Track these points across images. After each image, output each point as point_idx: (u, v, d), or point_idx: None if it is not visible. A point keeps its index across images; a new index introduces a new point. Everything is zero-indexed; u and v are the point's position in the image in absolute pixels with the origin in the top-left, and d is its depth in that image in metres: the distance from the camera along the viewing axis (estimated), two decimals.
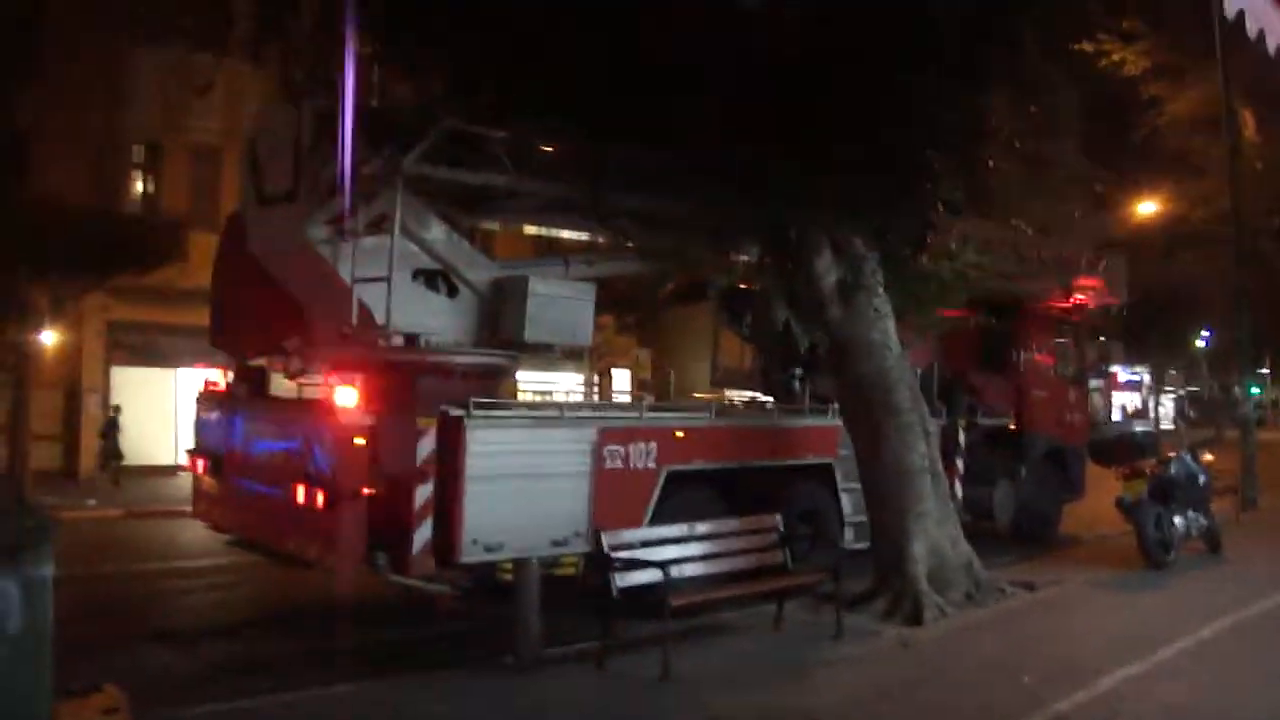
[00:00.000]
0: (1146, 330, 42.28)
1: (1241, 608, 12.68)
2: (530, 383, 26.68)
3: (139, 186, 28.14)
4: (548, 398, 19.77)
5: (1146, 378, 57.80)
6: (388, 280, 11.12)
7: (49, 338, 24.59)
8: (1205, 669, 10.27)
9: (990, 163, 13.75)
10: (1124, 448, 16.23)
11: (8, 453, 22.92)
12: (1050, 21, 12.74)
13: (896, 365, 13.04)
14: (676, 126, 10.75)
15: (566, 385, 28.92)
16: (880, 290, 12.94)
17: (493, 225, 15.16)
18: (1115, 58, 27.50)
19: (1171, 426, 53.87)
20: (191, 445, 13.65)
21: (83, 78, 25.56)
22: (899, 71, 10.70)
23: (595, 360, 30.59)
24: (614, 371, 34.14)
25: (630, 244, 14.03)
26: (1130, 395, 58.22)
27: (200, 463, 13.25)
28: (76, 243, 21.63)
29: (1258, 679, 9.92)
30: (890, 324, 13.08)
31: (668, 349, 27.57)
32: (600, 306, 26.54)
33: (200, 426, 13.50)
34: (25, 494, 21.62)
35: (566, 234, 14.67)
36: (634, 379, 34.48)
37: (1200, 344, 50.01)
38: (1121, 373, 54.52)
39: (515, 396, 14.37)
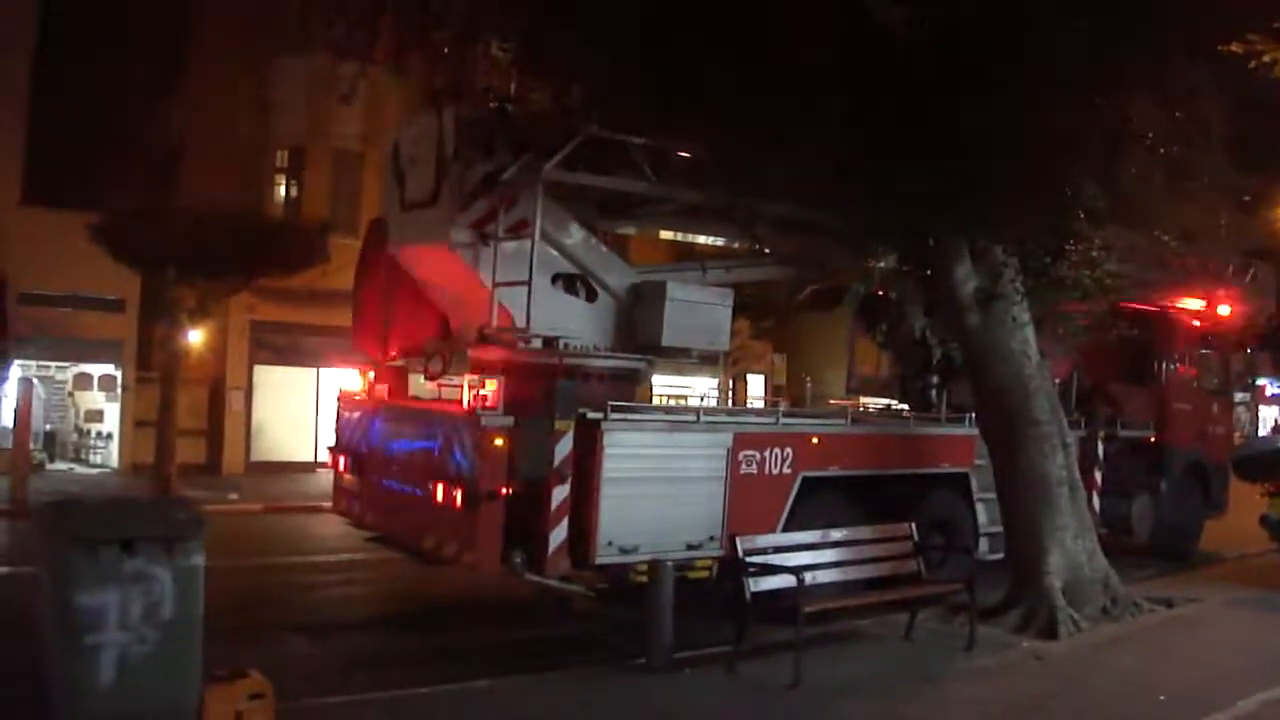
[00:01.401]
0: None
1: None
2: (665, 387, 26.89)
3: (282, 191, 28.86)
4: (682, 402, 19.82)
5: None
6: (528, 284, 11.29)
7: (196, 337, 25.33)
8: None
9: (1134, 170, 13.51)
10: (1269, 463, 15.83)
11: (155, 447, 23.61)
12: (1195, 23, 12.44)
13: (1035, 374, 12.87)
14: (813, 134, 10.75)
15: (701, 390, 29.09)
16: (1019, 299, 12.77)
17: (629, 230, 15.20)
18: (1266, 58, 26.72)
19: None
20: (333, 443, 13.97)
21: (230, 86, 26.31)
22: (1036, 83, 10.59)
23: (730, 365, 30.59)
24: (749, 377, 34.06)
25: (767, 249, 14.05)
26: (1277, 409, 56.36)
27: (341, 460, 13.56)
28: (223, 245, 22.24)
29: None
30: (1029, 332, 12.90)
31: (802, 355, 27.48)
32: (735, 311, 26.69)
33: (342, 425, 13.82)
34: (171, 487, 22.24)
35: (702, 239, 14.71)
36: (768, 384, 34.36)
37: None
38: (1270, 386, 52.91)
39: (650, 400, 14.43)
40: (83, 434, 28.16)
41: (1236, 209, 32.29)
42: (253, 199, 27.12)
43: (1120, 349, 17.97)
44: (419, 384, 13.66)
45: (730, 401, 29.39)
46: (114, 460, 26.86)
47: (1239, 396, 47.08)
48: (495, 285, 11.50)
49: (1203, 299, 18.99)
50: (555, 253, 12.16)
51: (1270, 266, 21.24)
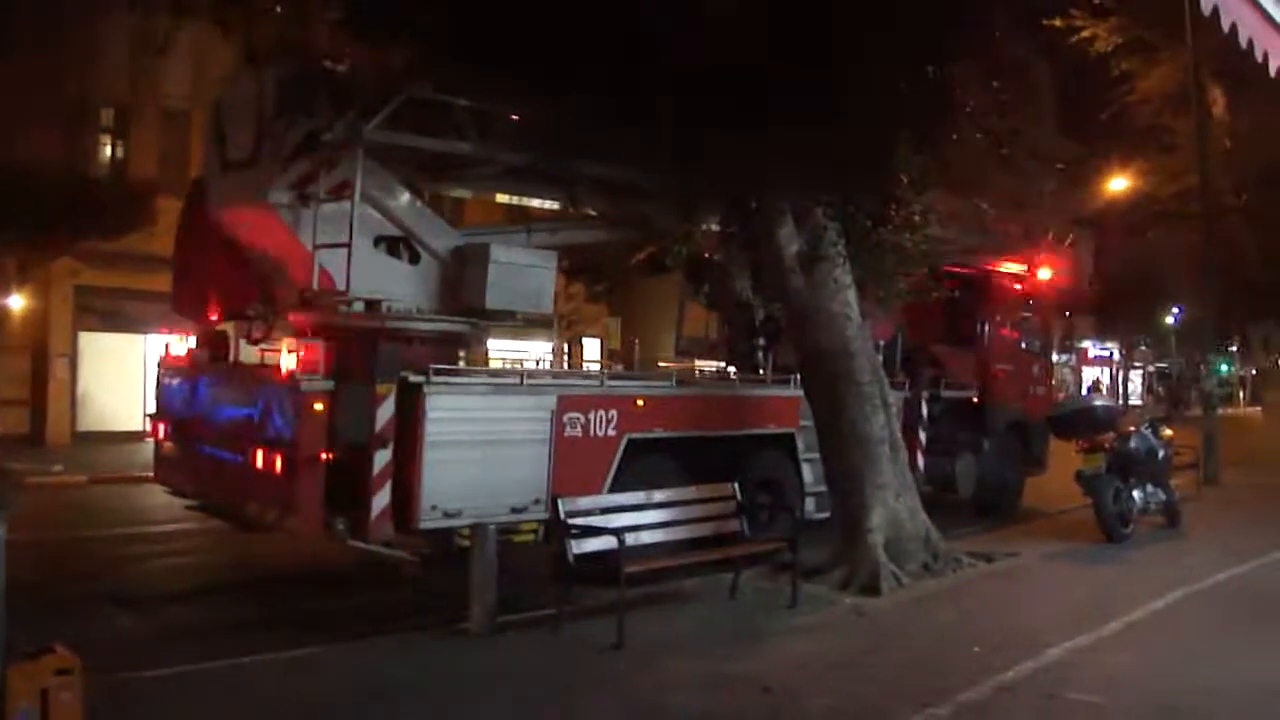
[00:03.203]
0: (1117, 306, 42.48)
1: (1195, 580, 12.86)
2: (501, 351, 26.76)
3: (108, 151, 27.99)
4: (518, 365, 19.74)
5: (1116, 354, 58.05)
6: (348, 246, 11.12)
7: (16, 302, 24.48)
8: (1152, 640, 10.41)
9: (955, 137, 13.83)
10: (1083, 422, 16.39)
11: None
12: None
13: (856, 336, 13.10)
14: (636, 96, 10.75)
15: (537, 354, 29.03)
16: (841, 261, 12.98)
17: (455, 192, 15.06)
18: (1086, 33, 27.59)
19: (1139, 402, 54.28)
20: (153, 410, 13.64)
21: (52, 44, 25.35)
22: (862, 44, 10.73)
23: (565, 328, 30.64)
24: (584, 340, 34.19)
25: (595, 212, 14.05)
26: (1100, 370, 58.47)
27: (162, 427, 13.26)
28: (44, 207, 21.54)
29: (1203, 650, 10.07)
30: (851, 295, 13.12)
31: (638, 318, 27.61)
32: (571, 275, 26.63)
33: (162, 391, 13.51)
34: None
35: (530, 202, 14.64)
36: (604, 348, 34.52)
37: (1170, 321, 50.29)
38: (1092, 348, 54.83)
39: (486, 364, 14.35)
40: None
41: (1062, 177, 33.41)
42: (76, 159, 26.22)
43: (944, 311, 18.40)
44: (244, 349, 13.44)
45: (566, 364, 29.43)
46: None
47: (1063, 358, 48.85)
48: (316, 247, 11.28)
49: (1023, 263, 19.51)
50: (378, 215, 11.94)
51: (1089, 233, 21.92)
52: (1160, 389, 59.26)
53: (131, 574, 13.74)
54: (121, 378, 26.68)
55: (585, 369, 24.83)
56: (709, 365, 17.68)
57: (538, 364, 22.27)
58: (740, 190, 12.37)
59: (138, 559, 14.57)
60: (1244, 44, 8.23)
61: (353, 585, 12.59)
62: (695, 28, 10.34)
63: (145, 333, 25.75)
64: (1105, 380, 56.91)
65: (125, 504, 18.46)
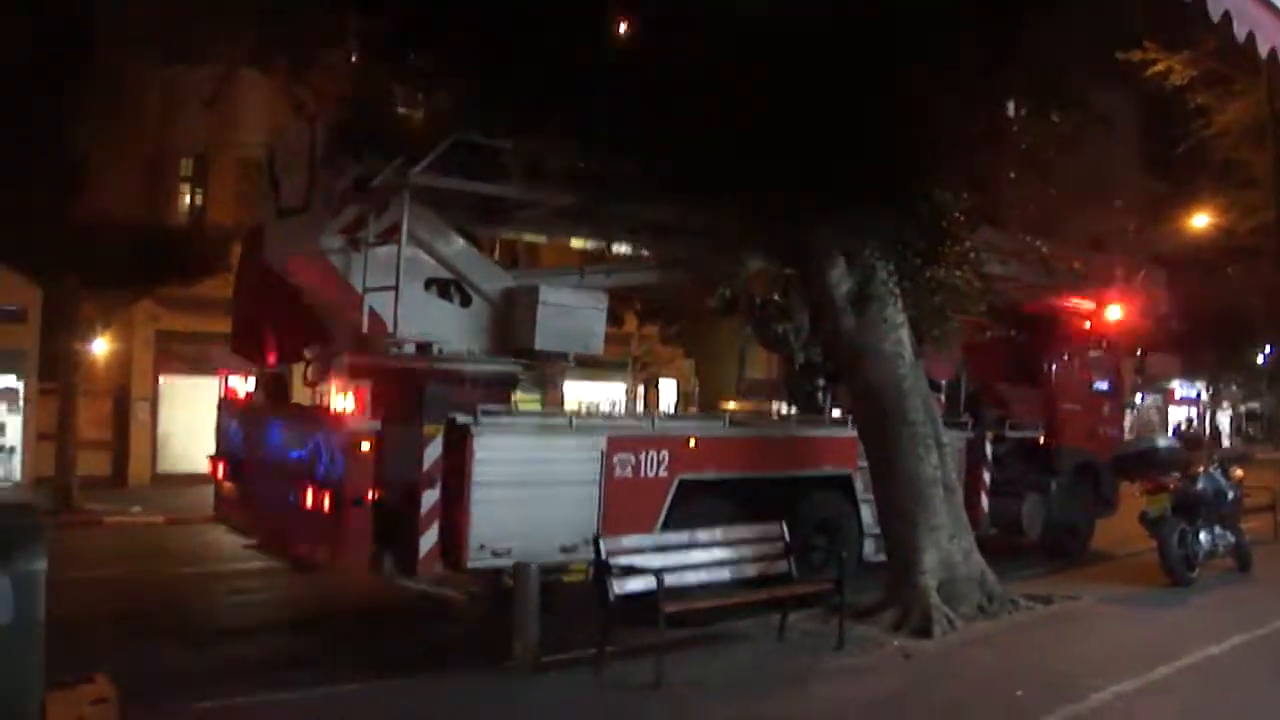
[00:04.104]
0: (1203, 345, 41.75)
1: (1256, 626, 12.53)
2: (577, 394, 27.00)
3: (187, 199, 28.64)
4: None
5: (1204, 394, 56.96)
6: (395, 289, 11.29)
7: (100, 346, 25.09)
8: (1200, 686, 10.22)
9: (1011, 175, 13.75)
10: (1146, 462, 16.11)
11: (56, 459, 23.34)
12: (1085, 30, 12.64)
13: (909, 375, 13.01)
14: (683, 138, 10.85)
15: (614, 395, 29.21)
16: (893, 300, 12.92)
17: (514, 235, 15.24)
18: (1160, 67, 27.24)
19: (1228, 443, 53.09)
20: (213, 450, 13.90)
21: (135, 94, 26.05)
22: (909, 82, 10.76)
23: (639, 370, 30.72)
24: (660, 382, 34.24)
25: (646, 253, 14.14)
26: (1188, 410, 57.42)
27: (221, 467, 13.51)
28: (125, 254, 22.10)
29: (1248, 698, 9.88)
30: (904, 334, 13.05)
31: (711, 360, 27.67)
32: (645, 317, 26.77)
33: (222, 431, 13.78)
34: (71, 500, 22.05)
35: (589, 244, 14.77)
36: (680, 389, 34.55)
37: (1260, 360, 49.25)
38: (1179, 388, 53.88)
39: (562, 405, 14.46)
40: None
41: (1144, 214, 33.00)
42: (156, 208, 26.87)
43: (1010, 350, 18.24)
44: (301, 390, 13.69)
45: (641, 407, 29.58)
46: (16, 474, 26.46)
47: (1148, 399, 48.05)
48: (366, 290, 11.47)
49: (1092, 300, 19.26)
50: (429, 258, 12.15)
51: (1160, 269, 21.59)
52: (1251, 430, 58.06)
53: (192, 611, 13.99)
54: (201, 420, 27.04)
55: (659, 411, 24.99)
56: (782, 407, 17.56)
57: (614, 406, 22.36)
58: (785, 230, 12.35)
59: (201, 596, 14.84)
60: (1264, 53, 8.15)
61: (405, 623, 12.68)
62: (739, 69, 10.46)
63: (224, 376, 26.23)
64: (1194, 421, 55.93)
65: (197, 543, 18.77)
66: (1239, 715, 9.32)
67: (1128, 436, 21.37)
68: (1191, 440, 41.83)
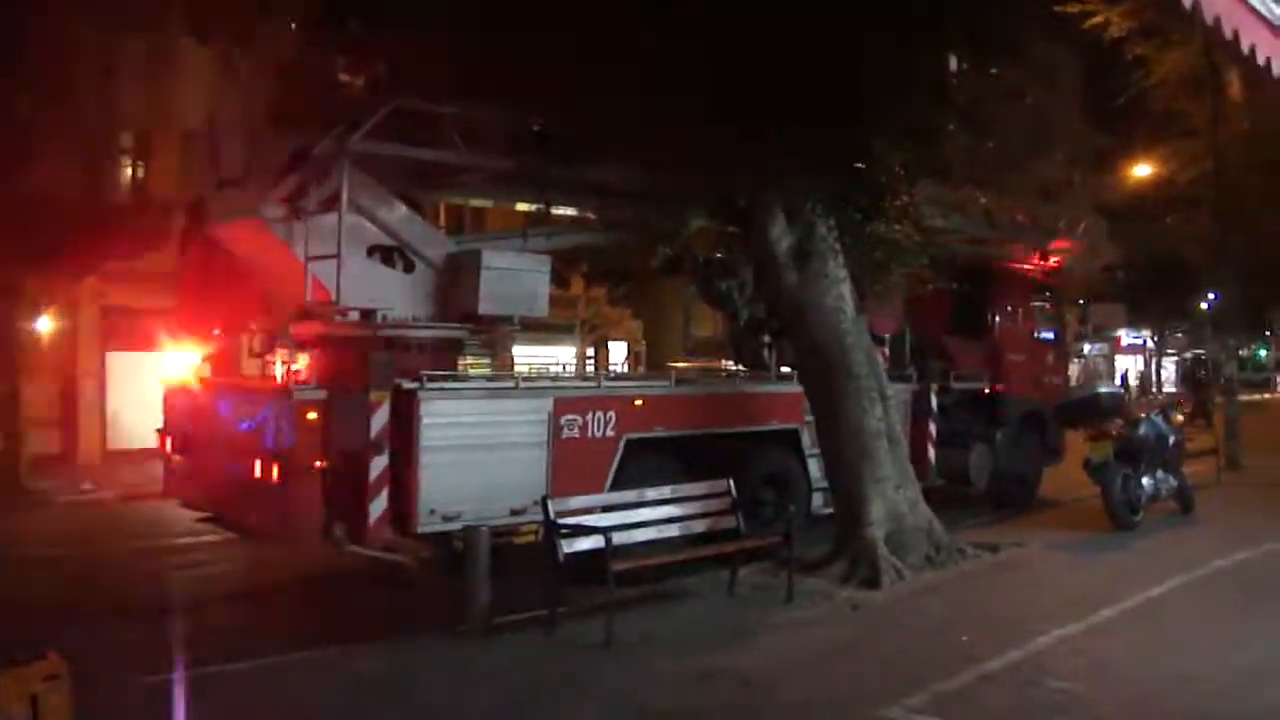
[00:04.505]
0: (1149, 294, 42.17)
1: (1198, 566, 12.88)
2: (526, 357, 26.94)
3: (128, 173, 28.32)
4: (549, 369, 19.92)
5: (1150, 341, 57.62)
6: (338, 257, 11.29)
7: (45, 324, 24.86)
8: (1142, 628, 10.48)
9: (950, 128, 13.84)
10: (1088, 410, 16.38)
11: (2, 439, 23.14)
12: None
13: (851, 330, 13.14)
14: (620, 98, 10.89)
15: (563, 358, 29.18)
16: (834, 256, 13.02)
17: (455, 200, 15.24)
18: (1099, 19, 27.34)
19: (1175, 389, 53.85)
20: (160, 425, 13.85)
21: (72, 68, 25.67)
22: (848, 36, 10.83)
23: (587, 331, 30.74)
24: (609, 344, 34.27)
25: (589, 215, 14.18)
26: (1134, 359, 58.12)
27: (170, 441, 13.48)
28: (68, 230, 21.85)
29: (1190, 637, 10.14)
30: (845, 289, 13.16)
31: (660, 320, 27.72)
32: (592, 279, 26.73)
33: (169, 405, 13.73)
34: (20, 479, 21.89)
35: (523, 206, 14.78)
36: (629, 349, 34.60)
37: (1204, 307, 49.76)
38: (1125, 337, 54.48)
39: (512, 369, 14.49)
40: None
41: (1088, 166, 33.17)
42: (98, 182, 26.53)
43: (953, 303, 18.38)
44: (248, 362, 13.67)
45: (592, 368, 29.63)
46: None
47: (1094, 348, 48.52)
48: (308, 260, 11.46)
49: (1035, 252, 19.45)
50: (370, 225, 12.14)
51: (1100, 219, 21.81)
52: (1201, 374, 58.73)
53: (145, 586, 13.92)
54: (150, 396, 26.84)
55: (606, 372, 24.99)
56: (730, 365, 17.65)
57: (564, 369, 22.38)
58: (724, 188, 12.41)
59: (154, 572, 14.76)
60: (1245, 50, 8.21)
61: (357, 591, 12.72)
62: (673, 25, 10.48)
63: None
64: (1139, 369, 56.59)
65: (149, 519, 18.67)
66: (1175, 652, 9.52)
67: (1074, 385, 21.61)
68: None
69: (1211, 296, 47.06)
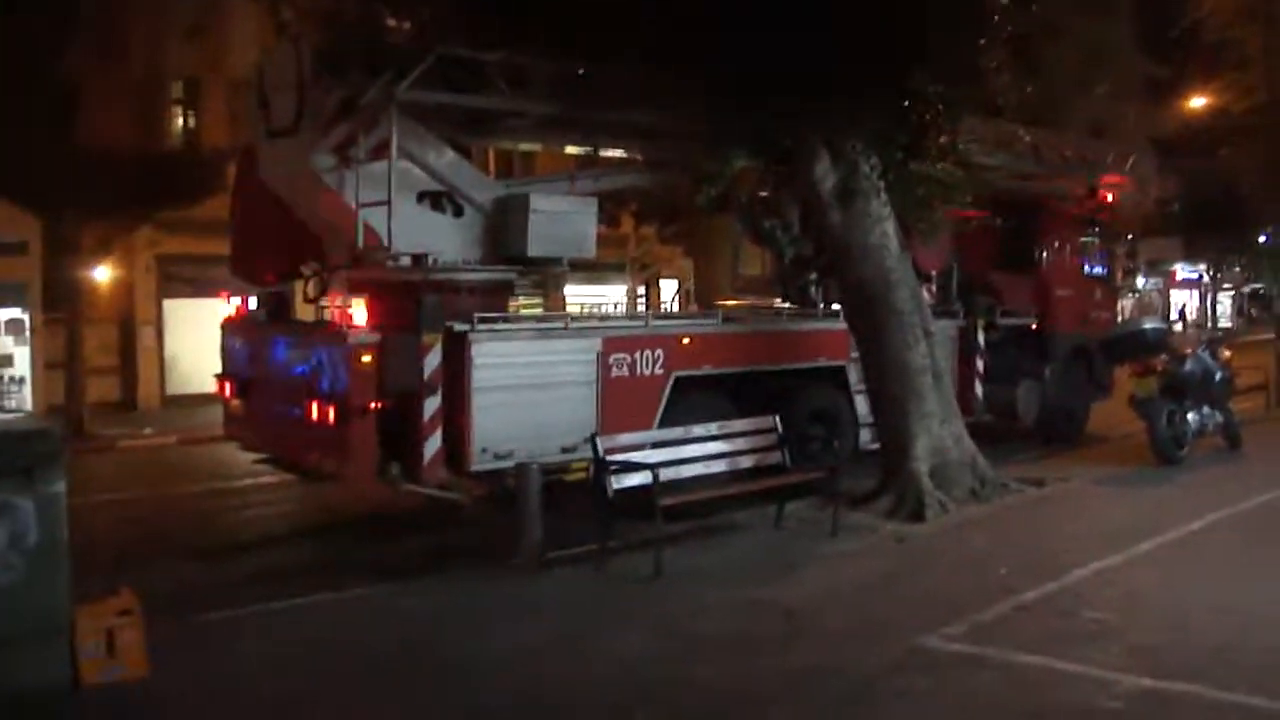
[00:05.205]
0: (1204, 227, 41.65)
1: (1241, 501, 12.94)
2: (579, 296, 27.22)
3: (180, 122, 28.67)
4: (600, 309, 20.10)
5: (1206, 276, 56.90)
6: (388, 204, 11.50)
7: (102, 274, 25.33)
8: (1179, 560, 10.60)
9: (993, 65, 13.79)
10: (1132, 345, 16.36)
11: (65, 387, 23.66)
12: None
13: (896, 267, 13.24)
14: (662, 40, 10.99)
15: (615, 297, 29.39)
16: (877, 194, 13.08)
17: (503, 145, 15.40)
18: None
19: (1229, 324, 53.31)
20: (219, 369, 14.17)
21: (122, 20, 25.96)
22: None
23: (637, 270, 30.88)
24: (662, 282, 34.39)
25: (635, 157, 14.30)
26: (1190, 294, 57.46)
27: (228, 385, 13.80)
28: (123, 180, 22.21)
29: (1226, 569, 10.26)
30: (889, 226, 13.24)
31: (710, 257, 27.83)
32: (642, 218, 26.86)
33: (226, 351, 14.04)
34: (83, 426, 22.40)
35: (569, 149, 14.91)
36: (680, 287, 34.71)
37: (1262, 240, 49.04)
38: (1180, 271, 53.91)
39: (564, 308, 14.72)
40: None
41: (1142, 98, 32.78)
42: (150, 132, 26.89)
43: (1001, 239, 18.39)
44: (302, 307, 13.95)
45: (647, 307, 29.90)
46: (28, 403, 26.80)
47: (1149, 283, 48.08)
48: (360, 206, 11.67)
49: (1082, 186, 19.35)
50: (420, 171, 12.34)
51: (1149, 152, 21.65)
52: (1254, 311, 57.96)
53: (207, 526, 14.34)
54: (206, 341, 27.28)
55: (657, 309, 25.15)
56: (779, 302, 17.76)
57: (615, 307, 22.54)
58: (767, 127, 12.46)
59: (215, 513, 15.19)
60: None
61: (412, 528, 13.02)
62: None
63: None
64: (1194, 303, 55.98)
65: (209, 461, 19.11)
66: (1211, 584, 9.65)
67: (1122, 320, 21.55)
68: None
69: (1269, 230, 46.57)
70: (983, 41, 12.95)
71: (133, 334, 27.70)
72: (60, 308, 25.10)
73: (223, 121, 27.57)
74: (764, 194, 15.86)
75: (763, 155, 13.33)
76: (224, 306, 14.25)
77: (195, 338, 27.59)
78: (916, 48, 11.95)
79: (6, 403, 27.37)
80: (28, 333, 26.59)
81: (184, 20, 25.23)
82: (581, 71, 12.31)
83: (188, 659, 8.13)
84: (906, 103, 12.51)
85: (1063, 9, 15.03)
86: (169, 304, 28.06)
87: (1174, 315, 48.30)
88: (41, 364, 26.21)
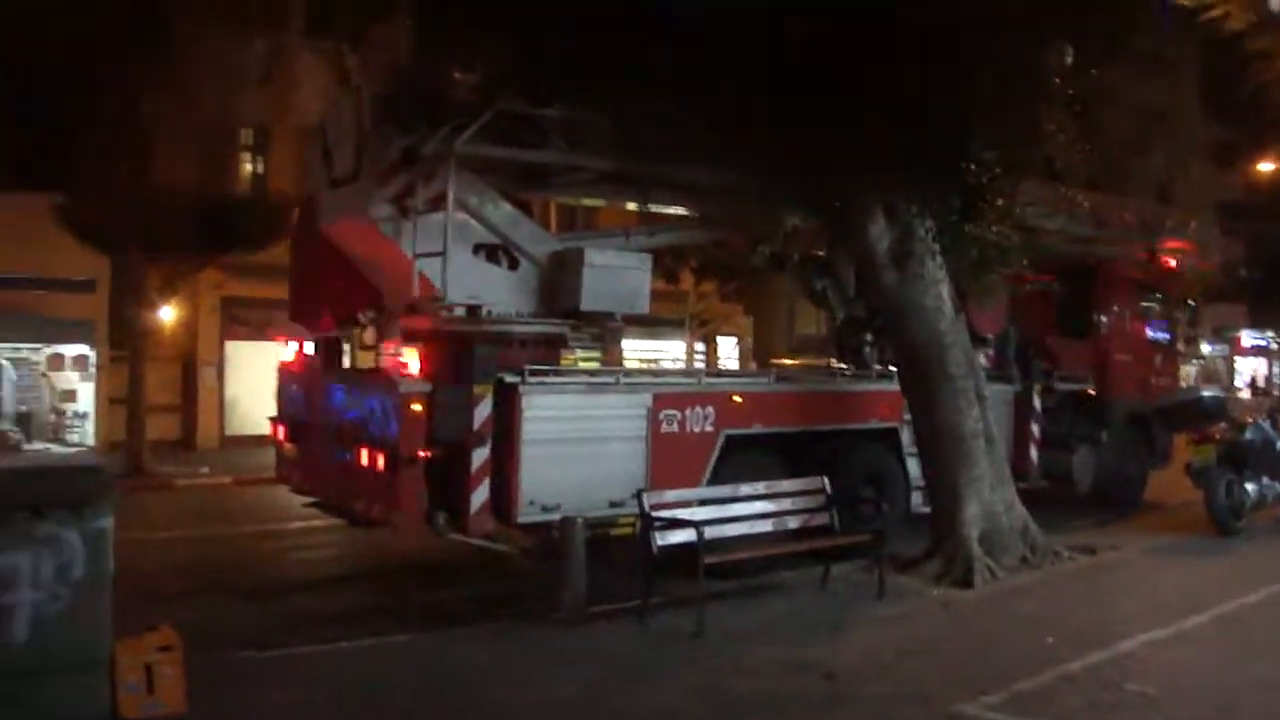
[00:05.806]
0: (1271, 293, 41.12)
1: None
2: (636, 351, 27.25)
3: (249, 168, 29.16)
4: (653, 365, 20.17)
5: (1274, 343, 56.01)
6: (444, 254, 11.63)
7: (167, 314, 25.73)
8: (1231, 635, 10.43)
9: (1052, 128, 13.75)
10: (1190, 413, 16.19)
11: (126, 424, 24.01)
12: None
13: (950, 330, 13.20)
14: (721, 98, 11.06)
15: (673, 353, 29.45)
16: (932, 256, 13.07)
17: (561, 199, 15.55)
18: (1217, 12, 26.81)
19: None
20: (274, 413, 14.34)
21: (196, 67, 26.45)
22: (947, 39, 10.86)
23: (697, 327, 30.95)
24: (721, 339, 34.41)
25: (690, 214, 14.38)
26: (1259, 361, 56.47)
27: (282, 429, 13.96)
28: (188, 223, 22.60)
29: (1276, 642, 10.07)
30: (944, 289, 13.21)
31: (764, 315, 27.86)
32: (701, 274, 26.97)
33: (281, 395, 14.23)
34: (142, 464, 22.70)
35: (629, 206, 15.03)
36: (740, 345, 34.71)
37: None
38: (1245, 337, 53.09)
39: (621, 363, 14.81)
40: (58, 414, 28.42)
41: (1209, 162, 32.53)
42: (219, 177, 27.32)
43: (1059, 302, 18.27)
44: (358, 354, 14.11)
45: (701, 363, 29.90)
46: (90, 439, 27.19)
47: (1214, 349, 47.44)
48: (416, 256, 11.83)
49: (1143, 251, 19.23)
50: (476, 224, 12.50)
51: (1211, 217, 21.48)
52: None
53: (256, 567, 14.45)
54: (266, 383, 27.61)
55: (709, 367, 25.10)
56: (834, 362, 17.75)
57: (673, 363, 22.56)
58: (821, 187, 12.51)
59: (265, 554, 15.35)
60: None
61: (457, 577, 13.10)
62: (778, 26, 10.60)
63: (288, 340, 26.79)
64: (1264, 370, 55.05)
65: (262, 503, 19.29)
66: (1261, 659, 9.48)
67: (1182, 388, 21.29)
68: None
69: None
70: (1042, 106, 12.92)
71: (194, 374, 28.15)
72: (125, 346, 25.55)
73: (290, 169, 27.95)
74: (818, 253, 15.91)
75: (817, 215, 13.36)
76: (283, 350, 14.43)
77: (255, 380, 28.00)
78: (976, 114, 11.96)
79: (69, 437, 27.80)
80: (92, 369, 27.03)
81: (257, 69, 25.70)
82: (636, 130, 12.40)
83: (227, 698, 8.23)
84: (964, 165, 12.49)
85: (1125, 72, 14.87)
86: (231, 346, 28.52)
87: (1241, 382, 47.48)
88: (105, 400, 26.66)
